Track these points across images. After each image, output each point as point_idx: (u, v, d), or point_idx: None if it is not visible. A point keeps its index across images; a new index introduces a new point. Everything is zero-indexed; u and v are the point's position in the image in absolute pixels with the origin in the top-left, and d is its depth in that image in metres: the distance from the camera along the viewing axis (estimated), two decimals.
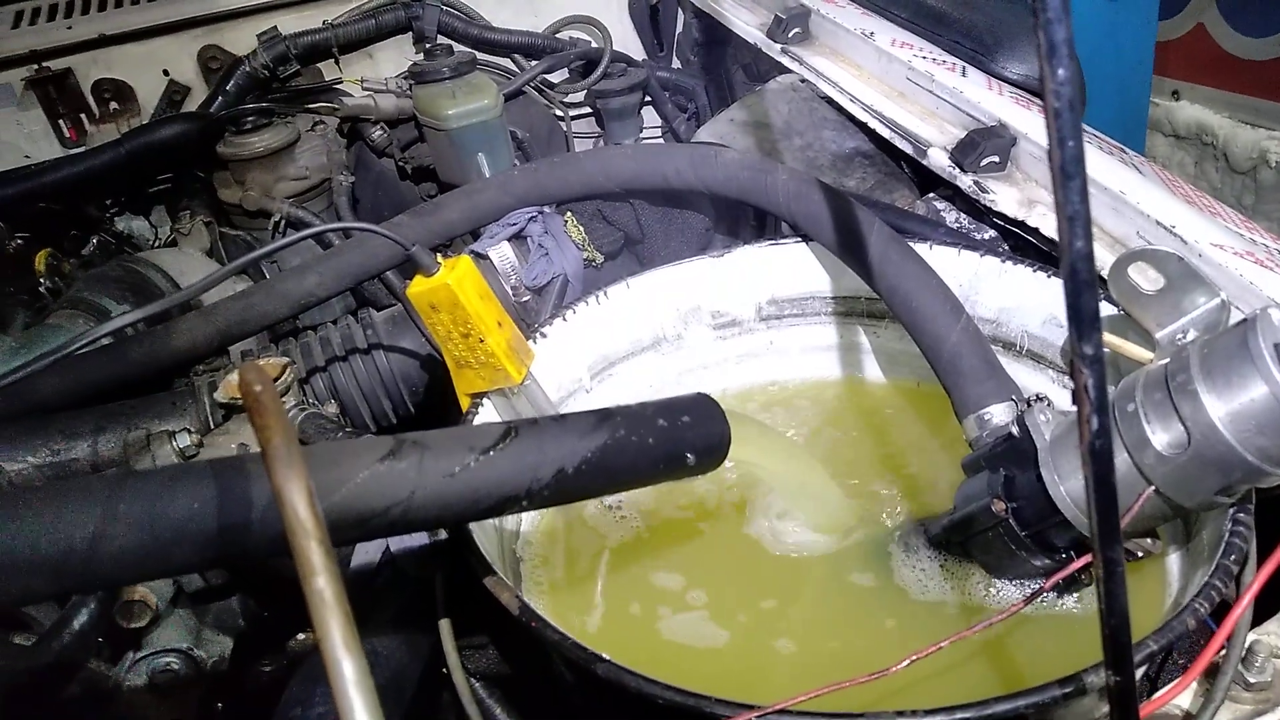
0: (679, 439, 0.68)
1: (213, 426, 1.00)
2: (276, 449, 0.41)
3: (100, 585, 0.53)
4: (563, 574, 0.88)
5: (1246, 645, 0.68)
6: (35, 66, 1.69)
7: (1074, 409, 0.44)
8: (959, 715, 0.56)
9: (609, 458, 0.64)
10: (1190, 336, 0.71)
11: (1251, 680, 0.67)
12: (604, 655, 0.61)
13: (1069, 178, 0.41)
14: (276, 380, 0.99)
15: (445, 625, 0.78)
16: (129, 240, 1.66)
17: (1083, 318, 0.43)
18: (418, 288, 0.84)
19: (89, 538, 0.47)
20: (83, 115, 1.74)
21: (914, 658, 0.60)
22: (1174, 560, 0.77)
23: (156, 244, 1.63)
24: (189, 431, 0.93)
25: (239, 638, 1.00)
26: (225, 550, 0.51)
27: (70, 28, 1.70)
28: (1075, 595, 0.77)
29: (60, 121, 1.73)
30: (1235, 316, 0.74)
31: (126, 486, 0.49)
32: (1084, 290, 0.42)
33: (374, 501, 0.54)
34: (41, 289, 1.33)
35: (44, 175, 1.51)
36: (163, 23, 1.74)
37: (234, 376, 0.98)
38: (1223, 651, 0.68)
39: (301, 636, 1.08)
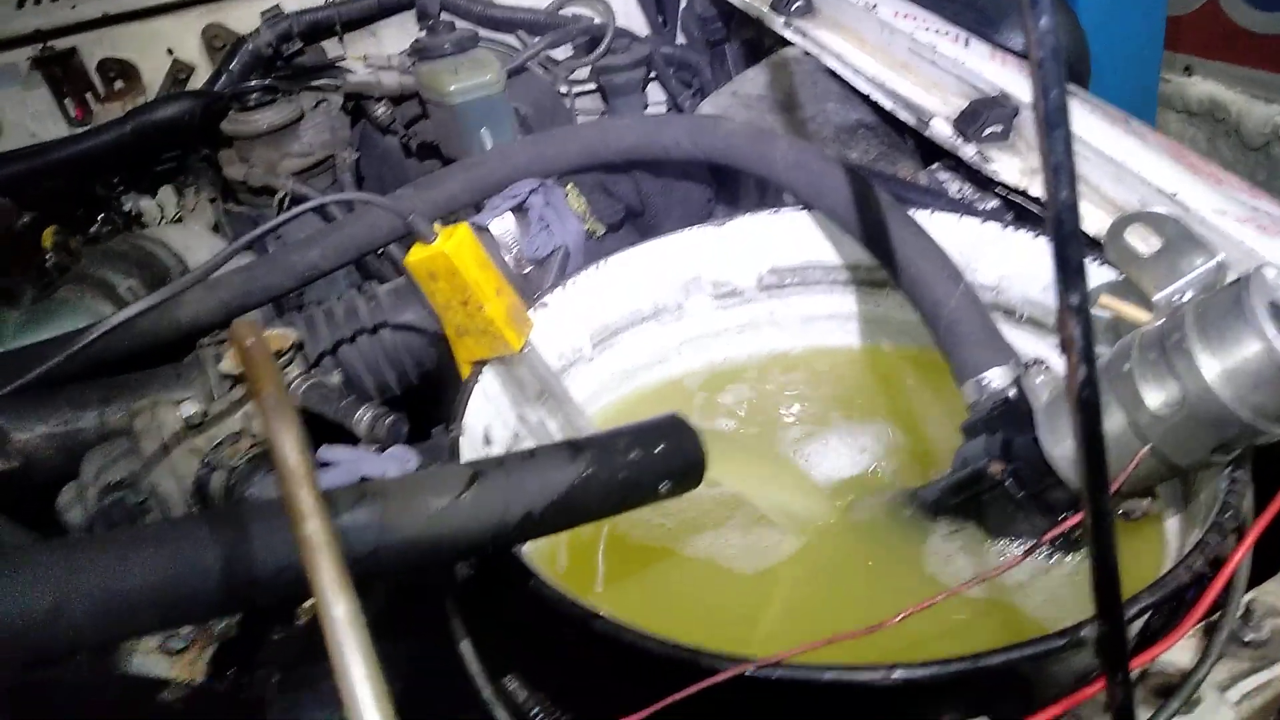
0: (652, 468, 0.67)
1: (217, 396, 1.01)
2: (268, 398, 0.42)
3: (61, 656, 0.52)
4: (566, 550, 0.89)
5: (1245, 603, 0.69)
6: (40, 46, 1.69)
7: None
8: (953, 667, 0.56)
9: (578, 496, 0.63)
10: (1187, 297, 0.71)
11: (1248, 638, 0.68)
12: (601, 611, 0.62)
13: (1053, 127, 0.41)
14: (283, 353, 1.00)
15: (450, 594, 0.79)
16: (136, 219, 1.67)
17: (1068, 268, 0.43)
18: (416, 256, 0.84)
19: (45, 613, 0.46)
20: (88, 94, 1.74)
21: (909, 611, 0.60)
22: (1172, 522, 0.78)
23: (163, 222, 1.64)
24: (194, 401, 0.94)
25: None
26: (185, 614, 0.50)
27: (74, 7, 1.70)
28: (1078, 556, 0.77)
29: (66, 101, 1.73)
30: (1233, 279, 0.74)
31: (79, 562, 0.48)
32: (1069, 240, 0.43)
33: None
34: (49, 264, 1.34)
35: (50, 153, 1.52)
36: (167, 2, 1.73)
37: None
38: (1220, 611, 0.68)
39: (309, 604, 1.09)
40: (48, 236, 1.37)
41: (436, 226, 0.83)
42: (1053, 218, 0.42)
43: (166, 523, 0.53)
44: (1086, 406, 0.44)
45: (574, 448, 0.64)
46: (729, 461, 0.79)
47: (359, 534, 0.52)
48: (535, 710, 0.74)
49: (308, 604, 1.10)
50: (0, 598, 0.45)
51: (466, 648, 0.76)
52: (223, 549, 0.46)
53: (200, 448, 0.95)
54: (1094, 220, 1.00)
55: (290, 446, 0.40)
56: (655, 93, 1.94)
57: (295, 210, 0.85)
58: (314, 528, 0.39)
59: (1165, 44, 2.62)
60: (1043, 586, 0.77)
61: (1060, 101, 0.40)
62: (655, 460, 0.66)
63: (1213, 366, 0.61)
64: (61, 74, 1.71)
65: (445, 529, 0.57)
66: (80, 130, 1.64)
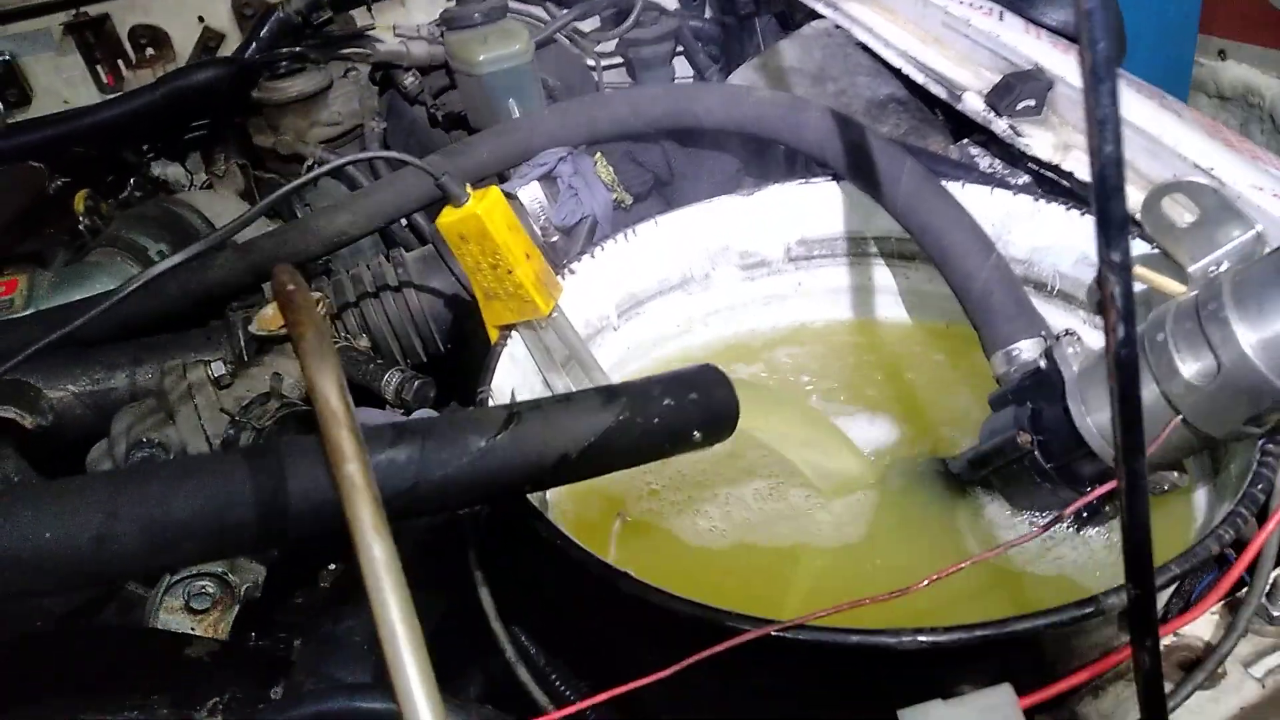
0: (685, 416, 0.67)
1: (247, 358, 1.02)
2: (309, 342, 0.42)
3: (105, 582, 0.52)
4: (593, 512, 0.90)
5: (1271, 580, 0.68)
6: (74, 12, 1.70)
7: (1102, 346, 0.44)
8: (978, 632, 0.56)
9: (613, 440, 0.63)
10: (1224, 268, 0.70)
11: (1275, 614, 0.67)
12: (628, 571, 0.62)
13: (1100, 80, 0.41)
14: None
15: (472, 551, 0.80)
16: (164, 185, 1.68)
17: (1111, 223, 0.43)
18: (447, 218, 0.84)
19: (92, 539, 0.47)
20: (120, 61, 1.75)
21: (934, 577, 0.60)
22: (1201, 496, 0.77)
23: (191, 188, 1.65)
24: (224, 362, 0.95)
25: (272, 567, 1.03)
26: (227, 544, 0.51)
27: None
28: (1104, 528, 0.77)
29: (98, 67, 1.74)
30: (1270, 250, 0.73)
31: (128, 488, 0.49)
32: (1112, 195, 0.42)
33: (383, 492, 0.53)
34: (81, 228, 1.35)
35: (82, 119, 1.53)
36: None
37: (268, 310, 1.00)
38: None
39: (332, 567, 1.10)
40: (79, 200, 1.38)
41: (468, 188, 0.83)
42: (1096, 172, 0.41)
43: (211, 455, 0.54)
44: (1125, 365, 0.44)
45: (609, 393, 0.65)
46: (768, 415, 0.79)
47: (398, 470, 0.53)
48: (554, 677, 0.75)
49: (331, 567, 1.11)
50: (48, 523, 0.45)
51: (488, 605, 0.77)
52: (266, 481, 0.46)
53: (229, 408, 0.96)
54: (1129, 196, 0.99)
55: (330, 389, 0.40)
56: (682, 66, 1.93)
57: (325, 167, 0.86)
58: (353, 469, 0.39)
59: (1199, 27, 2.58)
60: (1068, 557, 0.77)
61: (1109, 53, 0.39)
62: (688, 408, 0.67)
63: (1249, 336, 0.60)
64: (93, 40, 1.72)
65: (483, 468, 0.57)
66: (111, 96, 1.65)
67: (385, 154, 0.87)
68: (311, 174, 0.83)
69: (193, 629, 0.95)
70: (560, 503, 0.90)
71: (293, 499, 0.46)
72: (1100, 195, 0.42)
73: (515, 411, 0.60)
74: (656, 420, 0.65)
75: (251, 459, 0.48)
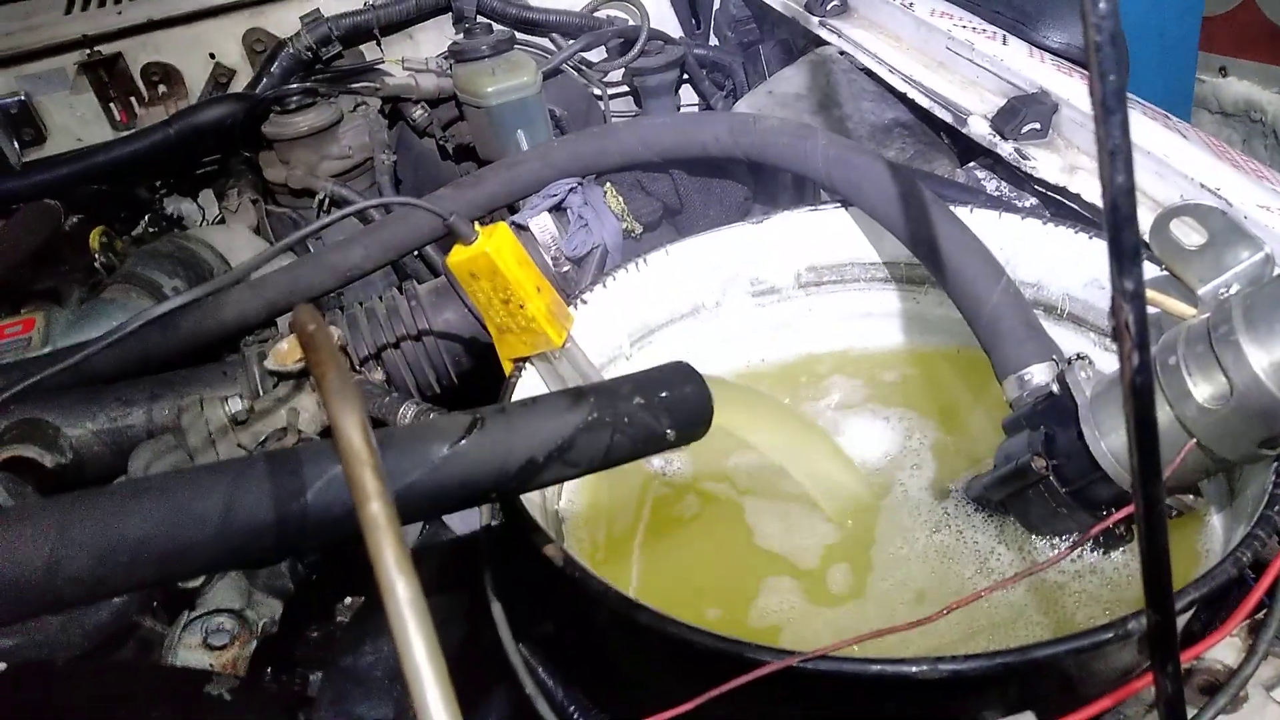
0: (656, 415, 0.66)
1: (262, 393, 1.03)
2: (331, 382, 0.42)
3: (61, 609, 0.51)
4: (604, 535, 0.90)
5: None
6: (87, 51, 1.73)
7: (1115, 370, 0.44)
8: (999, 660, 0.56)
9: (582, 443, 0.62)
10: (1233, 290, 0.71)
11: None
12: (647, 604, 0.63)
13: (1110, 112, 0.41)
14: None
15: (489, 578, 0.80)
16: (178, 221, 1.70)
17: (1123, 252, 0.43)
18: (457, 257, 0.85)
19: (44, 566, 0.47)
20: (132, 98, 1.77)
21: (954, 606, 0.60)
22: (1217, 520, 0.77)
23: (204, 223, 1.67)
24: (240, 397, 0.96)
25: (288, 601, 1.03)
26: (184, 565, 0.51)
27: (120, 13, 1.73)
28: (1121, 552, 0.77)
29: (111, 105, 1.76)
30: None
31: (76, 511, 0.49)
32: (1124, 225, 0.43)
33: (334, 509, 0.52)
34: (96, 265, 1.36)
35: (96, 157, 1.55)
36: (209, 7, 1.77)
37: (283, 345, 1.01)
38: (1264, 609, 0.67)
39: (348, 600, 1.11)
40: (95, 237, 1.40)
41: (476, 226, 0.84)
42: (1109, 202, 0.42)
43: (167, 474, 0.53)
44: (1140, 393, 0.44)
45: (577, 394, 0.63)
46: (753, 416, 0.79)
47: None
48: (573, 709, 0.74)
49: (347, 600, 1.11)
50: None
51: (506, 638, 0.76)
52: (220, 498, 0.46)
53: (246, 444, 0.97)
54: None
55: (353, 428, 0.40)
56: (688, 94, 1.95)
57: (340, 213, 0.87)
58: (377, 509, 0.39)
59: (1200, 44, 2.59)
60: (1083, 582, 0.76)
61: (1119, 86, 0.40)
62: (660, 406, 0.65)
63: (1261, 359, 0.61)
64: (107, 79, 1.75)
65: (446, 476, 0.56)
66: (125, 134, 1.67)
67: (394, 200, 0.88)
68: (327, 220, 0.84)
69: (210, 665, 0.95)
70: (575, 530, 0.91)
71: (253, 512, 0.46)
72: (1113, 225, 0.42)
73: (479, 416, 0.59)
74: (627, 420, 0.64)
75: (204, 477, 0.47)
